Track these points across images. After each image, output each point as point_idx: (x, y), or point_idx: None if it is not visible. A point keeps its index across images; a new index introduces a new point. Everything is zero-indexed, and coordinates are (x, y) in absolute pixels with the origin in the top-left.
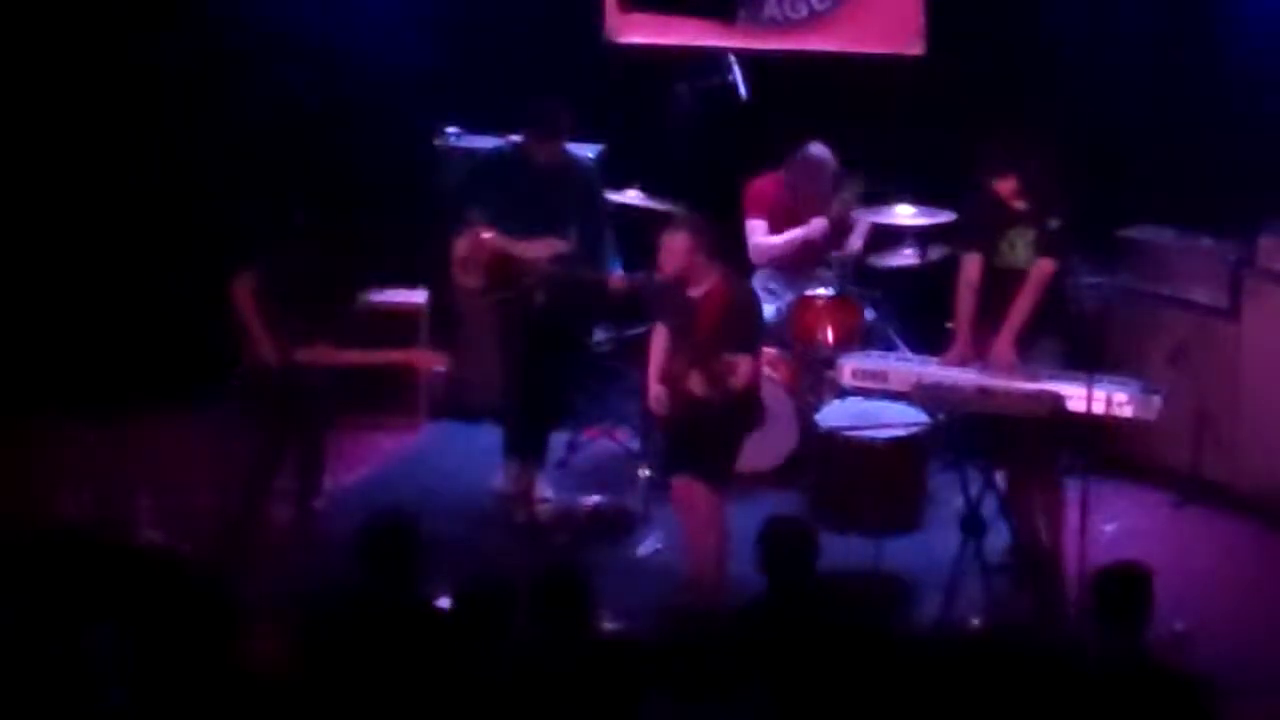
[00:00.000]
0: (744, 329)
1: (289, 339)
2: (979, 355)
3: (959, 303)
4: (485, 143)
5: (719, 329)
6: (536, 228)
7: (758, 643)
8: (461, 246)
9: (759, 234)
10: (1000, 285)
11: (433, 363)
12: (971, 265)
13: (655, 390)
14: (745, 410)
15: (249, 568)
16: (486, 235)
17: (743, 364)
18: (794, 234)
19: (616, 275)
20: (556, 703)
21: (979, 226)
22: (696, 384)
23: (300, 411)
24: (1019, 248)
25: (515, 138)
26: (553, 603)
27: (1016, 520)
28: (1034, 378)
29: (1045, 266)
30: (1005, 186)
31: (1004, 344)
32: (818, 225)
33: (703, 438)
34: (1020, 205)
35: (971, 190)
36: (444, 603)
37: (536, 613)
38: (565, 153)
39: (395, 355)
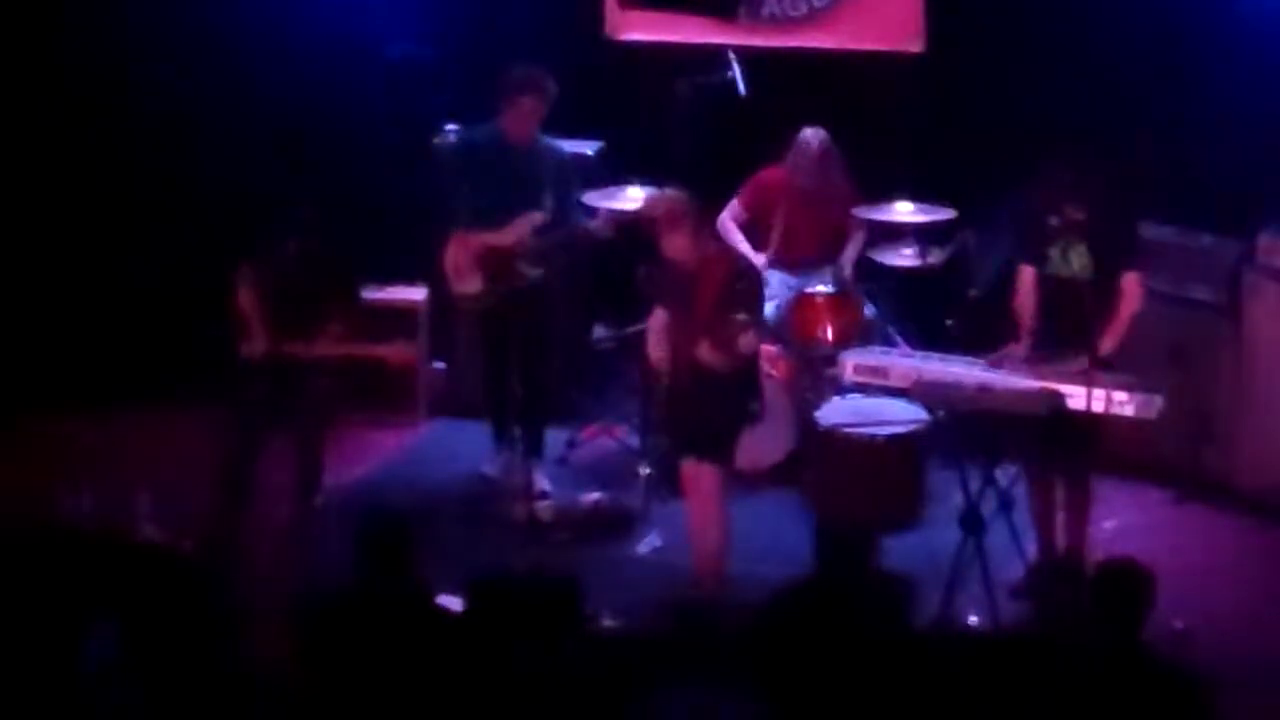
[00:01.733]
0: (746, 294)
1: (285, 333)
2: (1029, 360)
3: (1019, 309)
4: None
5: (722, 296)
6: (516, 206)
7: (765, 637)
8: (449, 257)
9: (727, 215)
10: (1056, 294)
11: (405, 358)
12: (1025, 276)
13: (657, 356)
14: (746, 388)
15: (244, 564)
16: (467, 238)
17: (749, 331)
18: (743, 248)
19: (597, 220)
20: (556, 700)
21: (1029, 239)
22: (705, 352)
23: (293, 407)
24: (1071, 256)
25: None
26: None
27: (1034, 521)
28: (1035, 376)
29: (1135, 280)
30: (1072, 211)
31: (1098, 352)
32: (760, 260)
33: (702, 417)
34: (1076, 217)
35: (1021, 201)
36: (445, 600)
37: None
38: (537, 132)
39: (377, 350)
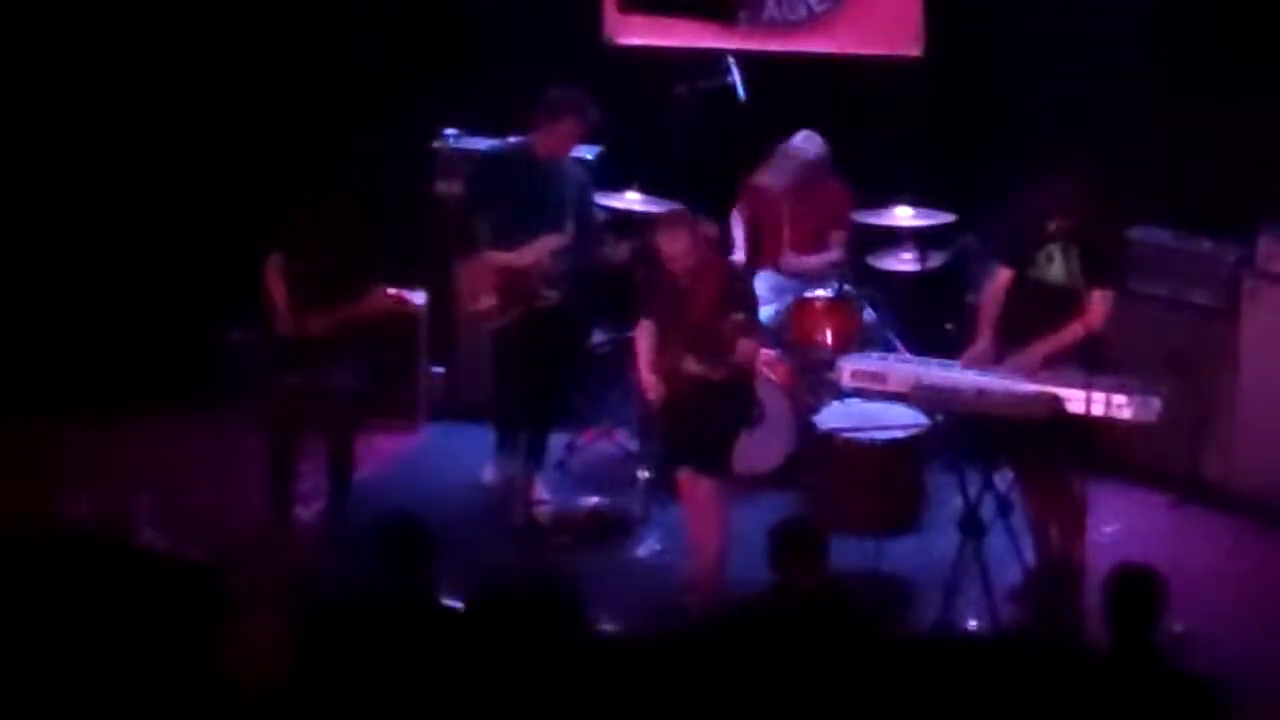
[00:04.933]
0: (742, 300)
1: (309, 313)
2: (999, 359)
3: (983, 309)
4: (484, 144)
5: (716, 305)
6: (538, 226)
7: (757, 642)
8: (466, 276)
9: (734, 224)
10: (1031, 297)
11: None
12: (1001, 277)
13: (649, 380)
14: (741, 398)
15: (260, 570)
16: (485, 258)
17: (748, 330)
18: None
19: (621, 247)
20: (556, 704)
21: (1015, 241)
22: (692, 364)
23: (324, 413)
24: (1056, 262)
25: (514, 138)
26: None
27: (1029, 524)
28: (1034, 379)
29: (1105, 298)
30: (1060, 220)
31: (1037, 352)
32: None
33: (698, 429)
34: (1068, 224)
35: (1012, 203)
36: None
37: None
38: (566, 154)
39: (379, 302)
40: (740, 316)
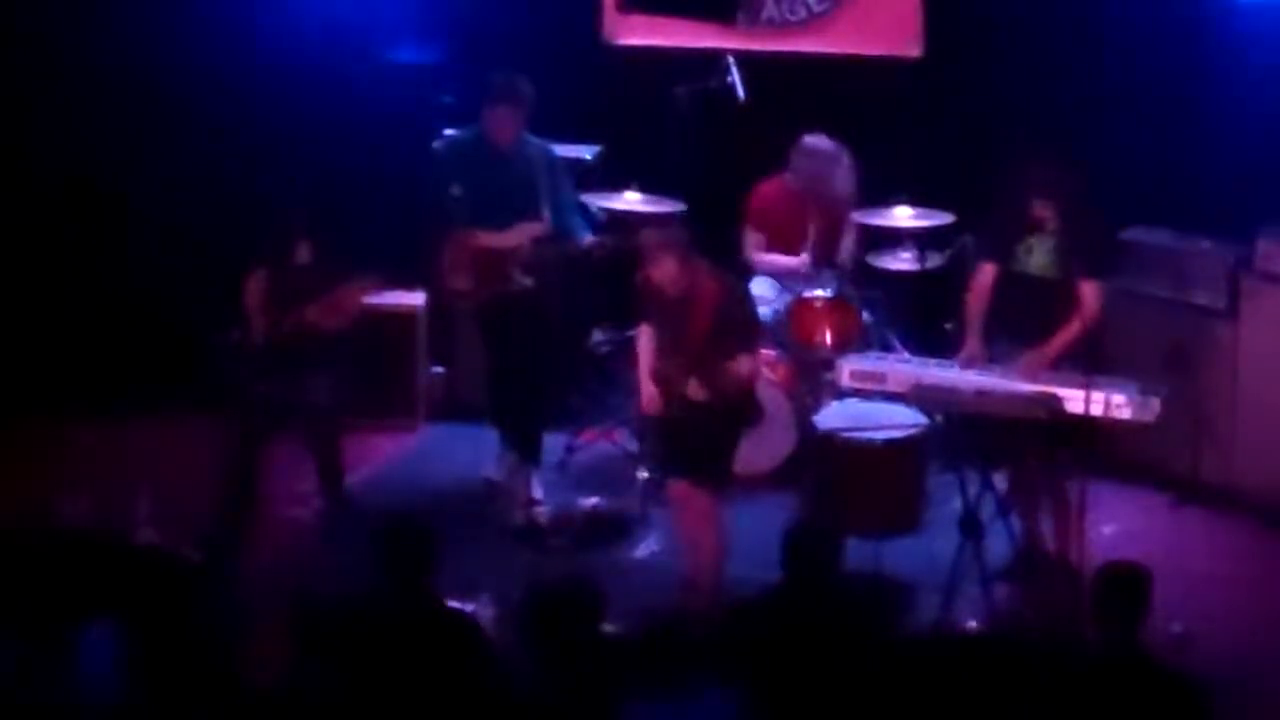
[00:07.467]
0: (740, 326)
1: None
2: (992, 357)
3: (969, 306)
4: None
5: (714, 329)
6: (510, 211)
7: (754, 641)
8: (445, 253)
9: (751, 247)
10: (1017, 291)
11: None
12: (985, 272)
13: (648, 392)
14: (740, 412)
15: (249, 567)
16: (466, 236)
17: (744, 362)
18: (778, 261)
19: (595, 241)
20: (553, 704)
21: (998, 237)
22: (695, 390)
23: (298, 408)
24: (1036, 254)
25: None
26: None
27: (1021, 523)
28: (1033, 380)
29: (1094, 289)
30: (1039, 208)
31: (1040, 357)
32: (802, 261)
33: (697, 443)
34: (1045, 214)
35: (996, 201)
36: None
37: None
38: (523, 135)
39: (348, 302)
40: (745, 358)
